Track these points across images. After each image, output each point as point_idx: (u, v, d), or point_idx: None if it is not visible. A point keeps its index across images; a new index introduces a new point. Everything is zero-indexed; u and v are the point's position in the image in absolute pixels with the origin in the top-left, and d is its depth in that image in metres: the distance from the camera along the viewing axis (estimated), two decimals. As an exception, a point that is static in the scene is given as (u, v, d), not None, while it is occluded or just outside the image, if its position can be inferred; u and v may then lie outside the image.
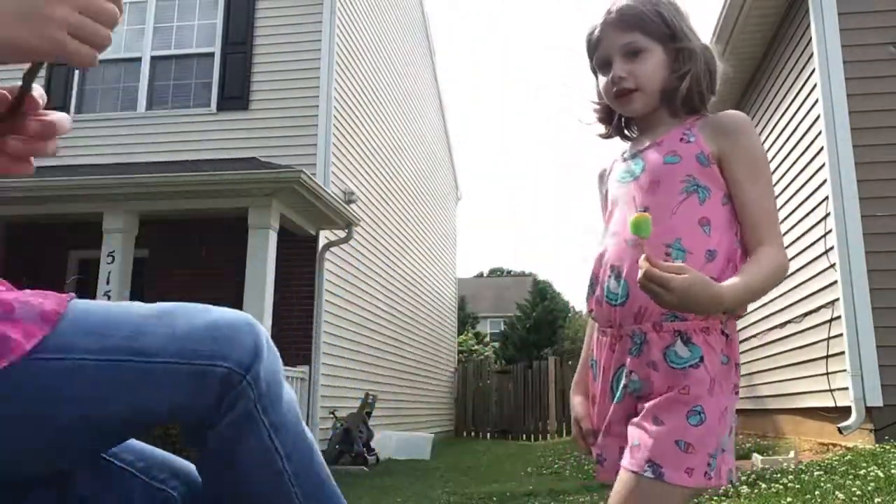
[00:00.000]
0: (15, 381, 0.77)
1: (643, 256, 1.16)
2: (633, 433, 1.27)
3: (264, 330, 0.92)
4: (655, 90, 1.38)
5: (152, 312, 0.85)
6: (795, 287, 6.62)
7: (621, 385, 1.33)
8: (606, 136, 1.52)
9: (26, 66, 0.76)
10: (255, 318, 0.90)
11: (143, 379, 0.81)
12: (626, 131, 1.51)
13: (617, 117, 1.49)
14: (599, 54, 1.42)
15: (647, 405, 1.27)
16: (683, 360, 1.26)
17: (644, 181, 1.36)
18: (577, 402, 1.51)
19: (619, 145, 1.55)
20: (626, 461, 1.26)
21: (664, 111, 1.41)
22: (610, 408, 1.36)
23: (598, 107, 1.51)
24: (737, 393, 1.29)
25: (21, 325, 0.79)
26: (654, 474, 1.21)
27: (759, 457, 5.30)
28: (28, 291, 0.85)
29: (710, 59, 1.40)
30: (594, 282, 1.39)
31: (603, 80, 1.42)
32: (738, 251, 1.31)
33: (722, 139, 1.33)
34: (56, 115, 0.80)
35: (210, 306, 0.90)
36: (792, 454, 5.41)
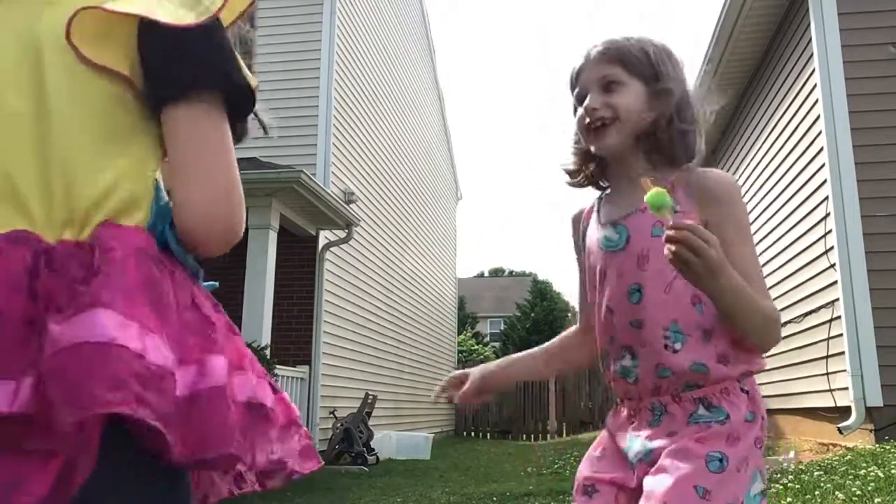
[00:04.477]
0: None
1: (670, 219, 1.12)
2: (650, 481, 1.20)
3: None
4: (631, 124, 1.30)
5: None
6: (795, 287, 6.62)
7: (635, 452, 1.27)
8: (577, 185, 1.44)
9: None
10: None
11: None
12: (600, 182, 1.43)
13: (594, 163, 1.41)
14: (579, 90, 1.36)
15: (666, 449, 1.21)
16: (709, 417, 1.22)
17: (631, 254, 1.29)
18: (482, 367, 1.50)
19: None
20: None
21: (640, 156, 1.33)
22: (617, 468, 1.30)
23: (575, 148, 1.43)
24: (760, 447, 1.23)
25: None
26: None
27: (759, 457, 5.30)
28: None
29: (689, 107, 1.32)
30: (606, 356, 1.35)
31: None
32: (718, 326, 1.25)
33: (711, 207, 1.26)
34: None
35: None
36: (792, 454, 5.42)
